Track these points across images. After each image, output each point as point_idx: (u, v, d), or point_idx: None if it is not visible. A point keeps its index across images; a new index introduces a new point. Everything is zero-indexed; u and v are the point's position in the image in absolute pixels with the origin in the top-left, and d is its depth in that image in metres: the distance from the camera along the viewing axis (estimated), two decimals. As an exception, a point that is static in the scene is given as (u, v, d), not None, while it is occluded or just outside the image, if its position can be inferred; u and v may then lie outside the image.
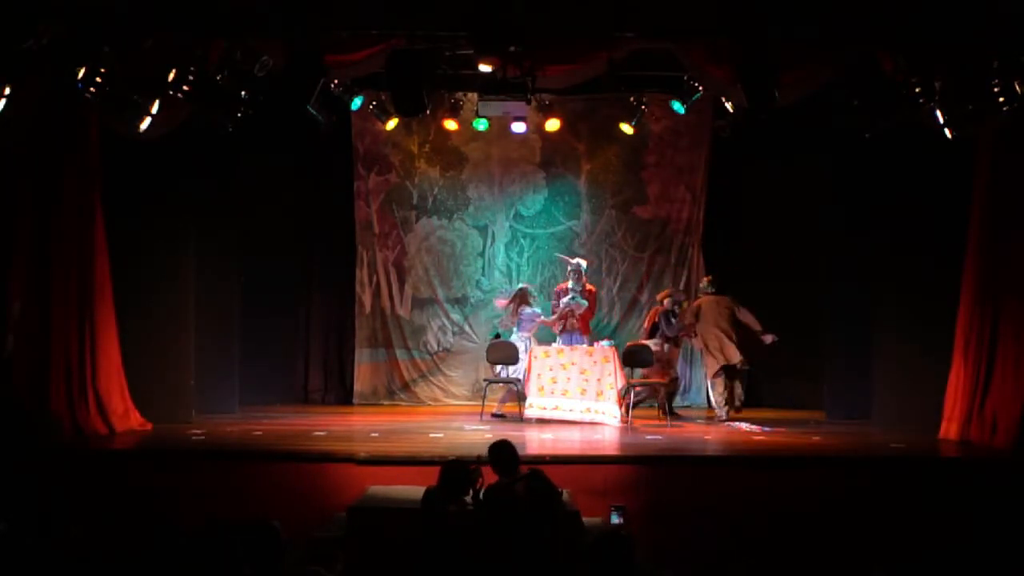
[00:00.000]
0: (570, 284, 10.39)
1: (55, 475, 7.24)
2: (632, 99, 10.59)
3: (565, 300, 10.34)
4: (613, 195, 11.70)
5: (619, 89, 10.48)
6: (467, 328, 11.72)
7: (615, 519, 5.70)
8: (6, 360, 8.22)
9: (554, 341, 10.33)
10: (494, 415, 10.13)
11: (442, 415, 10.60)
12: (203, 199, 9.57)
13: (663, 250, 11.68)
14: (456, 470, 5.54)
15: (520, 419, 9.75)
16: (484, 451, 5.93)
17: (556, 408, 9.68)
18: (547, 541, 5.15)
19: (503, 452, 5.75)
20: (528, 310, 10.43)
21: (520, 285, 10.80)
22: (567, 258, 10.81)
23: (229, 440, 8.46)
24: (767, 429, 9.45)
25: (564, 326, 10.34)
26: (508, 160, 11.64)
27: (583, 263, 10.62)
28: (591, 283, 10.71)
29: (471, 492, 5.52)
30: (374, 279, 11.69)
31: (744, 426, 9.65)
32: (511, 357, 10.22)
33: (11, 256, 8.26)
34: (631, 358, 10.12)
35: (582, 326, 10.40)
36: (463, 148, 11.62)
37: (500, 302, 11.02)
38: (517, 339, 10.35)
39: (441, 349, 11.73)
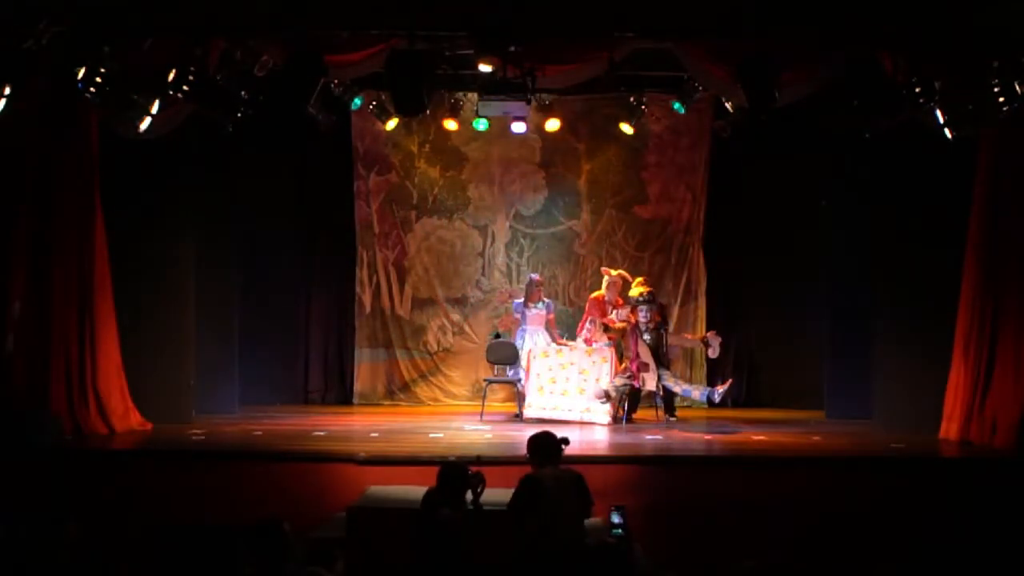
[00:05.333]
0: (607, 297, 10.12)
1: (55, 475, 7.24)
2: (632, 99, 10.61)
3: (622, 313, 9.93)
4: (613, 195, 11.68)
5: (619, 89, 10.50)
6: (467, 328, 11.71)
7: (615, 519, 5.69)
8: (6, 360, 8.21)
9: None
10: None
11: (442, 415, 10.58)
12: (203, 199, 9.57)
13: (663, 250, 11.66)
14: (454, 471, 5.53)
15: (520, 418, 9.78)
16: (484, 451, 5.91)
17: (555, 408, 9.65)
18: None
19: (542, 442, 5.73)
20: (543, 303, 10.36)
21: (531, 276, 10.65)
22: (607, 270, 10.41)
23: (229, 440, 8.45)
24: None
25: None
26: (508, 160, 11.62)
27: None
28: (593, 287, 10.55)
29: (470, 494, 5.52)
30: (374, 279, 11.68)
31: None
32: (511, 357, 10.21)
33: (11, 255, 8.26)
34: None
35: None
36: (463, 148, 11.60)
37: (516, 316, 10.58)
38: (532, 332, 10.27)
39: (441, 349, 11.72)
